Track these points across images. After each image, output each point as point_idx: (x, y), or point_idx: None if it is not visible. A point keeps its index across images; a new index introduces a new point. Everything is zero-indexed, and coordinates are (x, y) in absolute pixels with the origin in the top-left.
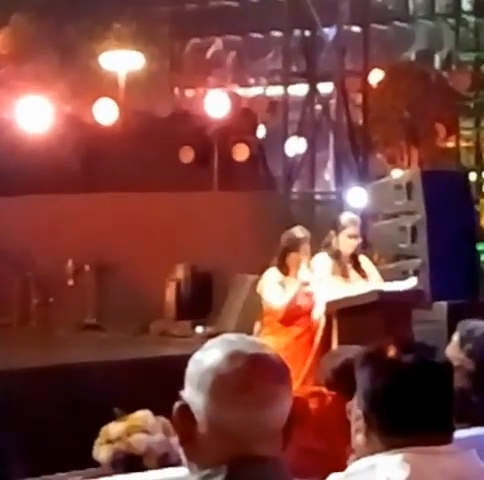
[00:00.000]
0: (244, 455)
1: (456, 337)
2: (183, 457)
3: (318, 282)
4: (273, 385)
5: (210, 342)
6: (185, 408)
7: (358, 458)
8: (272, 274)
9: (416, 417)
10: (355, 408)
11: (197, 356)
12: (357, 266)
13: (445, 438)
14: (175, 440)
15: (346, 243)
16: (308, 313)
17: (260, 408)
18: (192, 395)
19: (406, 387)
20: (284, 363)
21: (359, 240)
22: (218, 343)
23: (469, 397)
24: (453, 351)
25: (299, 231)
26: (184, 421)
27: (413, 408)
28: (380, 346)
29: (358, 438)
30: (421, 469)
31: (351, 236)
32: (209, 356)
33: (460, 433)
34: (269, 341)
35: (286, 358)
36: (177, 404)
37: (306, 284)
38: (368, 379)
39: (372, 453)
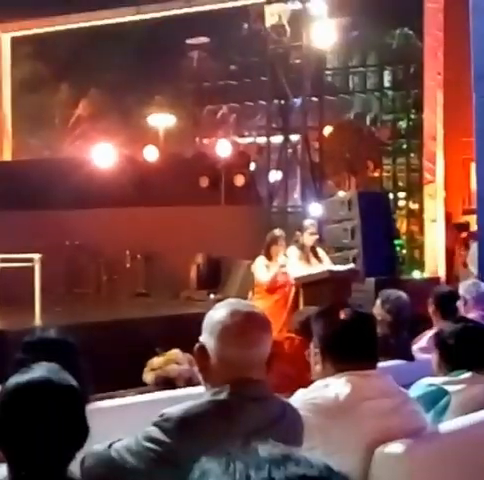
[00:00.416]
0: (241, 378)
1: (378, 301)
2: (201, 380)
3: (291, 266)
4: (260, 332)
5: (218, 304)
6: (202, 347)
7: (316, 380)
8: (260, 260)
9: (354, 352)
10: (313, 348)
11: (210, 313)
12: (315, 254)
13: (373, 366)
14: (196, 369)
15: (308, 239)
16: (284, 285)
17: (251, 347)
18: (206, 339)
19: (347, 331)
20: (267, 318)
21: (316, 237)
22: (224, 304)
23: (388, 340)
24: (377, 310)
25: (278, 231)
26: (201, 356)
27: (352, 346)
28: (329, 306)
29: (317, 367)
30: (359, 386)
31: (311, 234)
32: (218, 313)
33: (382, 364)
34: (258, 303)
35: (269, 315)
36: (197, 345)
37: (283, 266)
38: (322, 327)
39: (326, 377)
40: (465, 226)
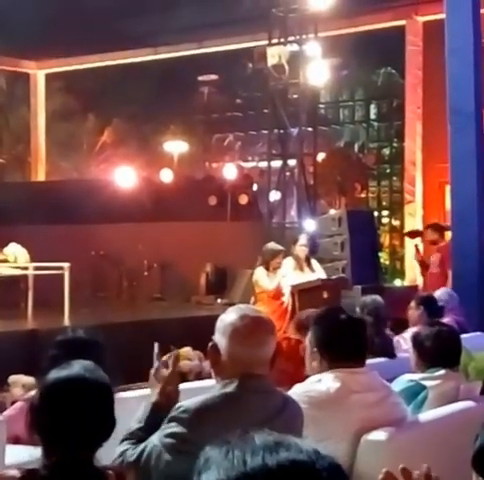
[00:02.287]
0: (248, 373)
1: (358, 308)
2: (213, 374)
3: (287, 275)
4: (266, 334)
5: (230, 308)
6: (215, 346)
7: (311, 375)
8: (261, 271)
9: (347, 352)
10: (309, 347)
11: (223, 316)
12: (309, 265)
13: (362, 364)
14: (206, 364)
15: (298, 250)
16: (283, 292)
17: (258, 347)
18: (219, 338)
19: (343, 334)
20: (272, 321)
21: (305, 248)
22: (235, 309)
23: (373, 340)
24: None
25: (276, 245)
26: (214, 353)
27: (346, 347)
28: (327, 310)
29: (313, 364)
30: (347, 381)
31: (301, 245)
32: (229, 316)
33: (368, 361)
34: (263, 309)
35: (274, 319)
36: (210, 343)
37: (283, 276)
38: (321, 330)
39: (321, 372)
40: (415, 233)
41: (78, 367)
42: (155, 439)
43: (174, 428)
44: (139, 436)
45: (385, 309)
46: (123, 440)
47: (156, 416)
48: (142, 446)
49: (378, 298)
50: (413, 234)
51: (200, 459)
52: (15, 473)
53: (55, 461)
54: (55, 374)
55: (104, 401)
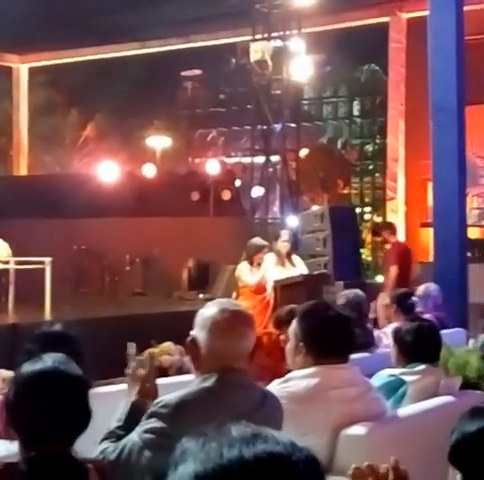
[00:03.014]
0: (227, 367)
1: (340, 304)
2: (192, 368)
3: (270, 270)
4: (245, 328)
5: (210, 302)
6: (194, 340)
7: (294, 369)
8: (245, 266)
9: (332, 348)
10: (294, 341)
11: (202, 310)
12: (291, 260)
13: (345, 360)
14: (187, 359)
15: (280, 246)
16: (266, 287)
17: (237, 341)
18: (198, 332)
19: (329, 330)
20: (251, 315)
21: (287, 244)
22: (214, 303)
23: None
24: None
25: (261, 241)
26: (193, 347)
27: (332, 343)
28: (313, 306)
29: (297, 358)
30: (327, 376)
31: (283, 241)
32: (209, 310)
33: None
34: (244, 303)
35: (254, 314)
36: (189, 337)
37: (266, 271)
38: (308, 324)
39: (305, 367)
40: (377, 232)
41: (50, 360)
42: (135, 435)
43: (154, 423)
44: (119, 434)
45: (367, 304)
46: (103, 439)
47: (135, 414)
48: (123, 443)
49: (360, 293)
50: (374, 233)
51: (177, 451)
52: None
53: (34, 455)
54: (28, 368)
55: (78, 393)
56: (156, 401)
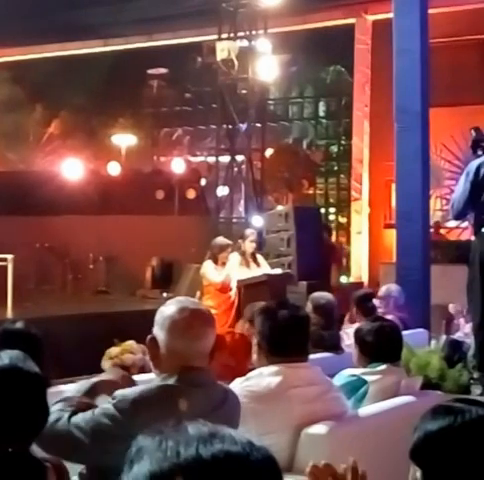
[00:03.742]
0: (187, 366)
1: (310, 305)
2: (152, 367)
3: (234, 269)
4: (204, 327)
5: (169, 301)
6: (153, 339)
7: (253, 369)
8: (209, 264)
9: (286, 347)
10: (254, 339)
11: (161, 308)
12: (255, 260)
13: (303, 359)
14: (148, 357)
15: (248, 246)
16: (230, 287)
17: (196, 340)
18: (157, 331)
19: (281, 329)
20: (211, 314)
21: (255, 244)
22: (173, 301)
23: (322, 336)
24: (310, 314)
25: (225, 240)
26: (153, 347)
27: (285, 342)
28: (268, 305)
29: (254, 357)
30: (288, 375)
31: (251, 241)
32: (168, 309)
33: (315, 356)
34: (209, 302)
35: (219, 313)
36: (149, 337)
37: (231, 270)
38: (261, 323)
39: (260, 366)
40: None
41: (7, 357)
42: (81, 418)
43: (111, 412)
44: (75, 406)
45: (337, 310)
46: (59, 402)
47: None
48: (78, 418)
49: (331, 299)
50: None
51: (132, 448)
52: None
53: None
54: None
55: (35, 391)
56: (114, 394)
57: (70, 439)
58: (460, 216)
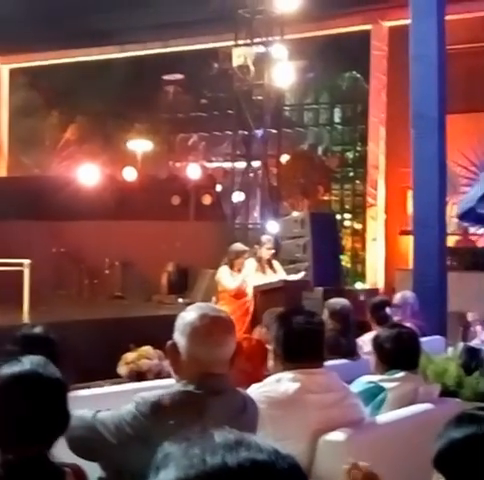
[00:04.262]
0: (207, 372)
1: (326, 312)
2: (172, 372)
3: (250, 276)
4: (225, 334)
5: (190, 307)
6: (174, 345)
7: (270, 376)
8: (225, 270)
9: (301, 353)
10: (270, 345)
11: (182, 314)
12: (271, 266)
13: (319, 365)
14: (165, 363)
15: (265, 253)
16: (246, 292)
17: (217, 347)
18: (178, 338)
19: (297, 335)
20: (232, 321)
21: (272, 251)
22: (194, 308)
23: (340, 342)
24: (327, 320)
25: (242, 246)
26: (173, 352)
27: (300, 348)
28: (284, 311)
29: (270, 363)
30: (305, 381)
31: (268, 248)
32: (189, 315)
33: (332, 362)
34: (224, 308)
35: (234, 319)
36: (169, 342)
37: (247, 276)
38: (276, 330)
39: (276, 372)
40: None
41: (29, 362)
42: (108, 414)
43: (133, 413)
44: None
45: (353, 315)
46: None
47: None
48: (103, 414)
49: (347, 305)
50: None
51: (158, 455)
52: None
53: (11, 458)
54: (6, 370)
55: (57, 396)
56: (134, 397)
57: (93, 432)
58: (464, 217)
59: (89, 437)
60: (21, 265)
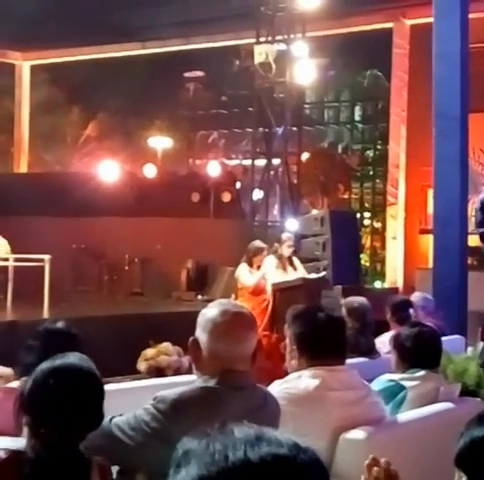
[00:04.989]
0: (228, 369)
1: (344, 310)
2: (193, 368)
3: (270, 273)
4: (246, 330)
5: (212, 303)
6: (196, 341)
7: (291, 372)
8: (244, 267)
9: (325, 350)
10: (289, 344)
11: (204, 311)
12: (291, 263)
13: (341, 362)
14: (184, 360)
15: (286, 250)
16: (265, 290)
17: (238, 343)
18: (200, 334)
19: (320, 332)
20: (253, 317)
21: (293, 249)
22: (216, 304)
23: (359, 340)
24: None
25: (260, 243)
26: (194, 348)
27: (323, 345)
28: (305, 308)
29: (293, 362)
30: (326, 378)
31: (289, 246)
32: (210, 312)
33: (351, 360)
34: (243, 305)
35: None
36: (191, 338)
37: (265, 273)
38: (298, 327)
39: (300, 370)
40: None
41: (73, 357)
42: (124, 418)
43: (152, 412)
44: None
45: (371, 313)
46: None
47: None
48: (119, 418)
49: (365, 302)
50: None
51: (178, 451)
52: (1, 454)
53: (43, 445)
54: (50, 362)
55: (96, 392)
56: (154, 396)
57: (111, 438)
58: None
59: (107, 444)
60: (42, 261)
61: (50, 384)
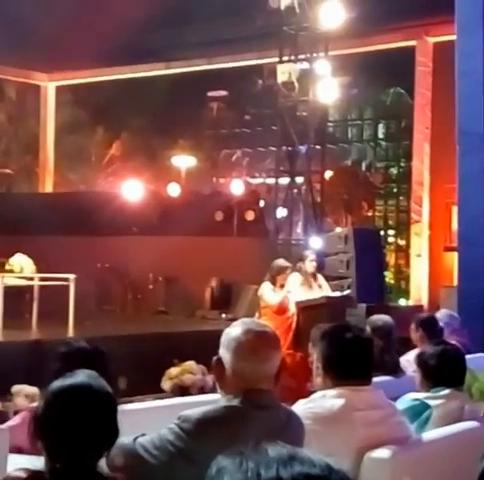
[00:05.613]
0: (252, 388)
1: (368, 328)
2: (217, 387)
3: (295, 291)
4: (269, 349)
5: (235, 322)
6: (219, 360)
7: (315, 389)
8: (267, 285)
9: (351, 370)
10: (316, 363)
11: (227, 330)
12: (316, 281)
13: (367, 382)
14: (209, 378)
15: (309, 265)
16: (288, 308)
17: (262, 362)
18: (223, 353)
19: (347, 352)
20: (277, 336)
21: (315, 263)
22: (239, 323)
23: (384, 358)
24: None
25: (284, 262)
26: (218, 367)
27: (350, 365)
28: (333, 327)
29: (317, 380)
30: (351, 398)
31: (311, 260)
32: (234, 331)
33: (376, 379)
34: (267, 324)
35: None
36: (215, 358)
37: (289, 292)
38: (325, 346)
39: (325, 389)
40: None
41: (82, 375)
42: (148, 438)
43: (176, 432)
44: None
45: (396, 331)
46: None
47: None
48: (143, 438)
49: (389, 320)
50: None
51: (212, 468)
52: (21, 474)
53: (59, 467)
54: (60, 382)
55: (108, 409)
56: (179, 415)
57: (135, 457)
58: None
59: (131, 464)
60: (67, 280)
61: (60, 405)
